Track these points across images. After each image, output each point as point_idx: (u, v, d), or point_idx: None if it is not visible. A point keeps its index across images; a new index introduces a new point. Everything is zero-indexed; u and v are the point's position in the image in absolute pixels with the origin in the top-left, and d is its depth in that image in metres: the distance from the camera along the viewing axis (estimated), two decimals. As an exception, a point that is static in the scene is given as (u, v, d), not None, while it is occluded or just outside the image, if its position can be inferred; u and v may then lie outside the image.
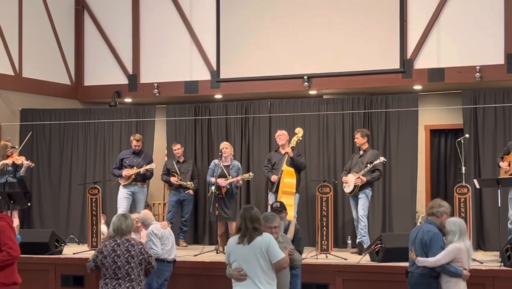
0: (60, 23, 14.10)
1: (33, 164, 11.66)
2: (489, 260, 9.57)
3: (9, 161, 11.32)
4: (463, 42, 11.93)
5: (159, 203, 14.00)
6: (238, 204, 11.68)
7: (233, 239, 6.55)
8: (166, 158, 12.93)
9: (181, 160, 12.08)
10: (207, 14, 13.44)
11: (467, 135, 10.66)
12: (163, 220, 10.84)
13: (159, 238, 8.71)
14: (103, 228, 12.36)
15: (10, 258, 6.77)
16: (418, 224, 7.85)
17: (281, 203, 8.20)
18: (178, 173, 11.91)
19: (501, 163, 10.02)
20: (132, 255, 7.01)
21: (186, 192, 11.90)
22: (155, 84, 13.71)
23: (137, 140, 11.77)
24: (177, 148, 12.07)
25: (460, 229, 7.28)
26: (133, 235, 8.98)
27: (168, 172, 12.00)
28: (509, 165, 9.88)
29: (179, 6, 13.66)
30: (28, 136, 12.14)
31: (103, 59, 14.23)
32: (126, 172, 11.58)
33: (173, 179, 11.86)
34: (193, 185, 11.92)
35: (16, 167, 11.41)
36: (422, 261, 7.21)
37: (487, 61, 11.72)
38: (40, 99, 13.66)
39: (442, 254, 7.18)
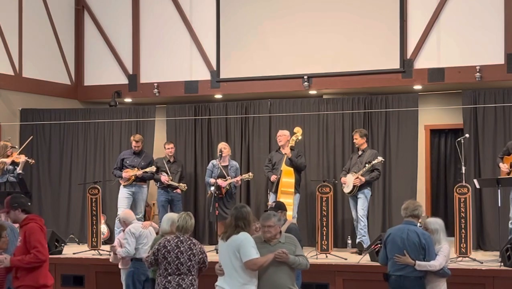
0: (60, 23, 14.10)
1: (33, 161, 11.65)
2: (489, 260, 9.57)
3: (7, 160, 11.33)
4: (463, 42, 11.93)
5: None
6: (238, 203, 11.67)
7: (221, 236, 6.76)
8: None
9: (172, 160, 12.03)
10: (207, 14, 13.44)
11: (467, 135, 10.66)
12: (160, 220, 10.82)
13: (136, 237, 8.82)
14: (103, 228, 12.37)
15: (38, 261, 6.70)
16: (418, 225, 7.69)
17: (277, 203, 8.18)
18: (169, 172, 11.87)
19: (501, 164, 10.02)
20: (194, 253, 7.18)
21: (174, 191, 11.82)
22: (155, 84, 13.71)
23: (137, 141, 11.76)
24: (171, 148, 12.00)
25: (442, 228, 7.44)
26: (121, 236, 9.09)
27: (157, 170, 11.90)
28: (511, 167, 9.89)
29: (179, 6, 13.66)
30: (29, 140, 12.11)
31: (103, 59, 14.23)
32: (126, 173, 11.57)
33: (164, 178, 11.78)
34: (185, 187, 11.87)
35: (15, 165, 11.42)
36: (424, 265, 7.13)
37: (487, 61, 11.72)
38: (40, 99, 13.66)
39: (442, 257, 7.21)
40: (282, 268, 6.58)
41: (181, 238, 7.21)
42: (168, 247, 7.15)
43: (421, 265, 7.14)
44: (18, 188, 11.32)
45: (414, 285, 7.19)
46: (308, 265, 6.81)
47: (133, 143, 11.77)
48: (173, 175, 11.85)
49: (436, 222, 7.45)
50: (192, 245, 7.20)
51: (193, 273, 7.17)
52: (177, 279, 7.10)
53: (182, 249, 7.14)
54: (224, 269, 6.55)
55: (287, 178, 10.81)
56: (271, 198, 10.99)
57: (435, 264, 7.15)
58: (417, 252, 7.17)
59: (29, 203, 11.70)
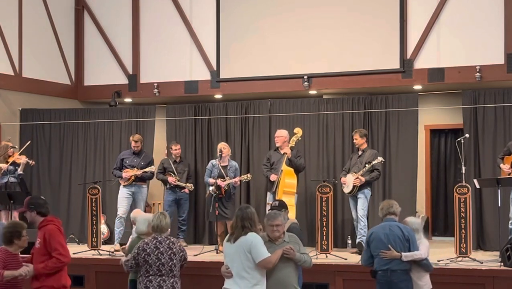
0: (60, 23, 14.11)
1: (33, 162, 11.66)
2: (489, 260, 9.56)
3: (5, 165, 11.34)
4: (463, 42, 11.93)
5: (159, 203, 13.98)
6: (238, 203, 11.68)
7: (227, 237, 6.73)
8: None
9: (178, 160, 12.07)
10: (207, 14, 13.45)
11: (467, 135, 10.64)
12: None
13: None
14: (103, 228, 12.36)
15: (61, 264, 6.80)
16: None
17: (280, 202, 8.17)
18: (175, 173, 11.89)
19: (502, 165, 10.00)
20: (174, 252, 7.17)
21: (182, 191, 11.87)
22: (155, 84, 13.71)
23: (136, 141, 11.76)
24: (177, 148, 12.06)
25: (421, 227, 7.67)
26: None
27: (164, 170, 11.96)
28: (511, 167, 9.89)
29: (179, 6, 13.67)
30: (27, 144, 12.09)
31: (103, 59, 14.24)
32: (125, 173, 11.58)
33: (171, 179, 11.81)
34: (192, 187, 11.91)
35: (15, 166, 11.43)
36: (411, 255, 7.26)
37: (487, 61, 11.73)
38: (40, 99, 13.67)
39: (424, 247, 7.38)
40: (288, 267, 6.62)
41: (159, 239, 7.18)
42: (148, 250, 7.12)
43: (407, 256, 7.25)
44: (19, 188, 11.34)
45: (401, 279, 7.27)
46: (312, 263, 6.87)
47: (132, 143, 11.77)
48: (180, 174, 11.90)
49: (417, 222, 7.71)
50: (171, 244, 7.18)
51: (175, 272, 7.15)
52: (158, 280, 7.08)
53: (161, 249, 7.12)
54: (232, 270, 6.54)
55: (290, 178, 10.80)
56: (270, 198, 10.98)
57: (421, 253, 7.31)
58: (402, 245, 7.28)
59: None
